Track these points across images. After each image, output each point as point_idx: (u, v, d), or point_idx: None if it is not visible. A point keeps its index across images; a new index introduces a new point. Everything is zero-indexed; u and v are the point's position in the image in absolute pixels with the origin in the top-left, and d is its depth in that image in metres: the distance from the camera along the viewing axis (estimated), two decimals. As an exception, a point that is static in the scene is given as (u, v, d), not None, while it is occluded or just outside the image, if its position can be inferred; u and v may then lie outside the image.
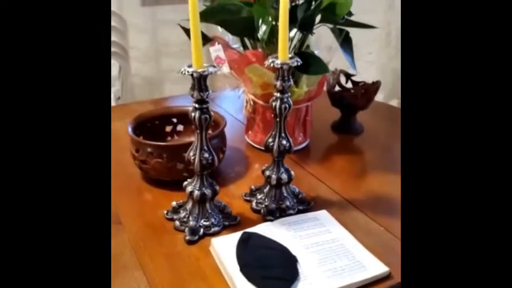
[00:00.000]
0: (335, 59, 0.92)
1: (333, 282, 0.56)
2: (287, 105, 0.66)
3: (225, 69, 0.91)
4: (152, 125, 0.88)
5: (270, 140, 0.69)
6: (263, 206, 0.71)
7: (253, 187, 0.76)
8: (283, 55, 0.62)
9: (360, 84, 1.03)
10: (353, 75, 1.04)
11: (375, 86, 0.97)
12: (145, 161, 0.76)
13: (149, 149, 0.76)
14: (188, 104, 1.03)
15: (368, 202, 0.76)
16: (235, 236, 0.64)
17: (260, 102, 0.88)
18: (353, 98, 0.98)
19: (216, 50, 0.91)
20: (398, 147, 1.01)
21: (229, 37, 0.93)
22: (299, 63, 0.62)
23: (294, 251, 0.60)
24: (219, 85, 1.02)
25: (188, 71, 0.58)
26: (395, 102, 1.29)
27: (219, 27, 0.90)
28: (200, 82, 0.59)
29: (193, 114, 0.61)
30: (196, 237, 0.65)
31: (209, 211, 0.68)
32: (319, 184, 0.82)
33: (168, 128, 0.92)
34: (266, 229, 0.66)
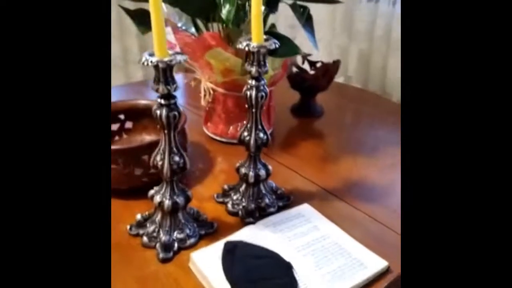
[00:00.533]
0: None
1: (336, 286, 0.51)
2: (263, 94, 0.58)
3: (176, 54, 0.81)
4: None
5: (246, 133, 0.61)
6: (241, 207, 0.64)
7: (226, 186, 0.68)
8: (258, 37, 0.54)
9: (319, 65, 0.98)
10: (309, 55, 0.99)
11: (336, 65, 0.93)
12: (96, 169, 0.65)
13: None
14: (134, 96, 0.92)
15: (346, 189, 0.72)
16: (217, 247, 0.56)
17: (221, 90, 0.80)
18: (315, 79, 0.93)
19: (163, 33, 0.80)
20: (362, 128, 0.99)
21: (175, 19, 0.82)
22: (277, 45, 0.55)
23: (286, 256, 0.54)
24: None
25: (151, 61, 0.48)
26: (342, 79, 1.27)
27: (163, 7, 0.79)
28: (166, 74, 0.50)
29: (158, 112, 0.52)
30: (171, 254, 0.56)
31: (182, 221, 0.59)
32: (292, 174, 0.76)
33: (115, 127, 0.80)
34: (250, 234, 0.59)
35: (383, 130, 0.94)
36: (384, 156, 0.83)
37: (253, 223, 0.62)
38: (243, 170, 0.64)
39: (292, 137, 0.92)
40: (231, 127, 0.83)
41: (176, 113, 0.52)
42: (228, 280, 0.51)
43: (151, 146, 0.65)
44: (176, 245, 0.57)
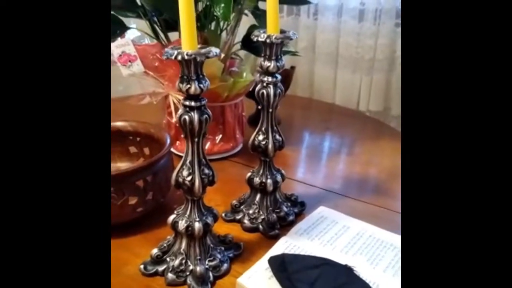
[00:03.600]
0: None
1: (399, 280, 0.48)
2: (280, 91, 0.54)
3: (137, 67, 0.71)
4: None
5: (261, 137, 0.56)
6: (260, 220, 0.58)
7: (235, 202, 0.61)
8: (275, 28, 0.50)
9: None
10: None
11: (293, 71, 0.93)
12: (79, 205, 0.52)
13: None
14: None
15: (350, 186, 0.71)
16: (260, 266, 0.49)
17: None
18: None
19: (120, 45, 0.71)
20: (319, 131, 0.99)
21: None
22: (296, 37, 0.51)
23: (337, 260, 0.50)
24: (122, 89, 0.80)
25: (187, 54, 0.40)
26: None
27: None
28: (198, 70, 0.42)
29: (187, 117, 0.43)
30: (209, 286, 0.47)
31: (211, 245, 0.50)
32: (289, 181, 0.72)
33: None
34: (288, 246, 0.53)
35: (336, 130, 0.96)
36: (355, 152, 0.84)
37: (278, 235, 0.56)
38: (257, 180, 0.58)
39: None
40: (208, 142, 0.75)
41: (207, 116, 0.44)
42: (294, 297, 0.44)
43: (147, 168, 0.56)
44: (211, 275, 0.48)
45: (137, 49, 0.71)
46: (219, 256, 0.50)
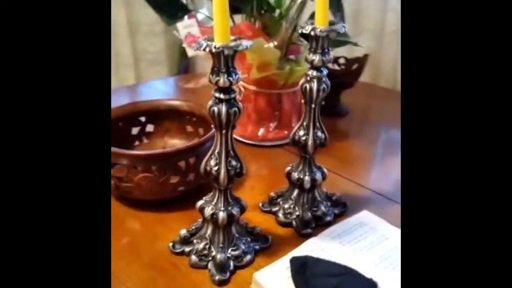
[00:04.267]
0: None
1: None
2: (325, 86, 0.51)
3: (200, 49, 0.73)
4: (115, 128, 0.67)
5: (302, 132, 0.54)
6: (294, 216, 0.56)
7: (273, 193, 0.60)
8: (323, 20, 0.47)
9: (341, 61, 0.92)
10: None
11: (365, 60, 0.87)
12: (125, 178, 0.56)
13: (125, 161, 0.56)
14: (156, 96, 0.83)
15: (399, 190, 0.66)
16: (282, 264, 0.48)
17: (252, 87, 0.72)
18: (344, 75, 0.87)
19: (186, 26, 0.73)
20: (393, 128, 0.93)
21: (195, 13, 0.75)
22: (345, 29, 0.48)
23: (364, 272, 0.47)
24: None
25: (214, 47, 0.40)
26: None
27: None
28: (228, 63, 0.42)
29: (216, 109, 0.44)
30: (227, 274, 0.48)
31: (236, 235, 0.51)
32: (338, 178, 0.69)
33: (135, 130, 0.71)
34: (315, 248, 0.51)
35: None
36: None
37: (310, 234, 0.54)
38: (295, 175, 0.56)
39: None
40: (261, 129, 0.75)
41: (236, 109, 0.44)
42: (305, 303, 0.43)
43: (188, 151, 0.57)
44: (231, 264, 0.49)
45: (202, 30, 0.72)
46: (243, 246, 0.51)
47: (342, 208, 0.60)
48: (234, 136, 0.78)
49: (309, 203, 0.57)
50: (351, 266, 0.48)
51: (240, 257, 0.50)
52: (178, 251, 0.52)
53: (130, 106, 0.69)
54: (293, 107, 0.75)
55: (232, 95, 0.44)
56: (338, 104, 0.92)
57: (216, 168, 0.46)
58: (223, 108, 0.43)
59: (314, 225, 0.56)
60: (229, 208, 0.49)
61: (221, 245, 0.49)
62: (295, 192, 0.58)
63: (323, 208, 0.57)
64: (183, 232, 0.52)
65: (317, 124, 0.54)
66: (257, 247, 0.52)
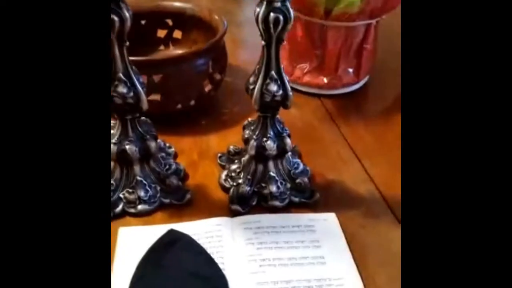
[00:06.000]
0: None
1: None
2: (283, 17, 0.33)
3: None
4: (136, 25, 0.61)
5: (252, 80, 0.38)
6: (235, 184, 0.43)
7: (232, 148, 0.47)
8: None
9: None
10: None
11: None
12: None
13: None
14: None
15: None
16: (153, 231, 0.38)
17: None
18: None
19: None
20: None
21: None
22: None
23: (240, 282, 0.34)
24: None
25: None
26: None
27: None
28: None
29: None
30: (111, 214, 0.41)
31: (139, 178, 0.42)
32: (350, 159, 0.50)
33: (161, 33, 0.64)
34: (213, 235, 0.39)
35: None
36: None
37: (240, 213, 0.41)
38: (247, 133, 0.42)
39: (392, 102, 0.62)
40: (297, 67, 0.59)
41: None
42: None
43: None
44: (121, 205, 0.42)
45: None
46: (141, 192, 0.42)
47: (307, 197, 0.43)
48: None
49: (257, 175, 0.43)
50: (230, 270, 0.34)
51: (133, 202, 0.42)
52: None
53: (153, 4, 0.61)
54: (342, 47, 0.56)
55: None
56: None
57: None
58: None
59: (255, 203, 0.43)
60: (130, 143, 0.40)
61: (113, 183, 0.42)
62: (247, 156, 0.44)
63: (273, 188, 0.42)
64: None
65: (272, 72, 0.37)
66: (167, 200, 0.43)
